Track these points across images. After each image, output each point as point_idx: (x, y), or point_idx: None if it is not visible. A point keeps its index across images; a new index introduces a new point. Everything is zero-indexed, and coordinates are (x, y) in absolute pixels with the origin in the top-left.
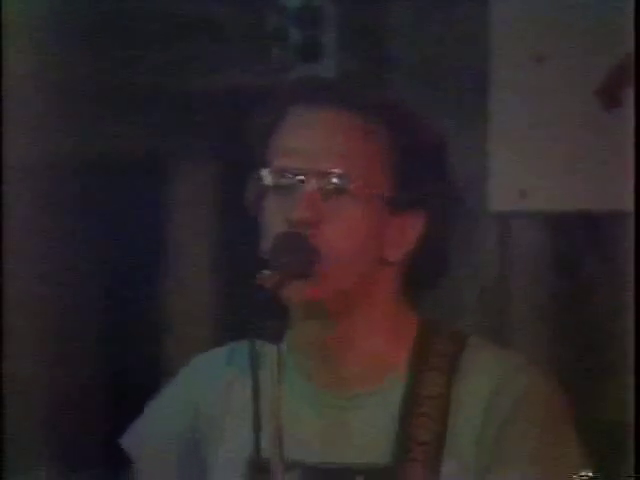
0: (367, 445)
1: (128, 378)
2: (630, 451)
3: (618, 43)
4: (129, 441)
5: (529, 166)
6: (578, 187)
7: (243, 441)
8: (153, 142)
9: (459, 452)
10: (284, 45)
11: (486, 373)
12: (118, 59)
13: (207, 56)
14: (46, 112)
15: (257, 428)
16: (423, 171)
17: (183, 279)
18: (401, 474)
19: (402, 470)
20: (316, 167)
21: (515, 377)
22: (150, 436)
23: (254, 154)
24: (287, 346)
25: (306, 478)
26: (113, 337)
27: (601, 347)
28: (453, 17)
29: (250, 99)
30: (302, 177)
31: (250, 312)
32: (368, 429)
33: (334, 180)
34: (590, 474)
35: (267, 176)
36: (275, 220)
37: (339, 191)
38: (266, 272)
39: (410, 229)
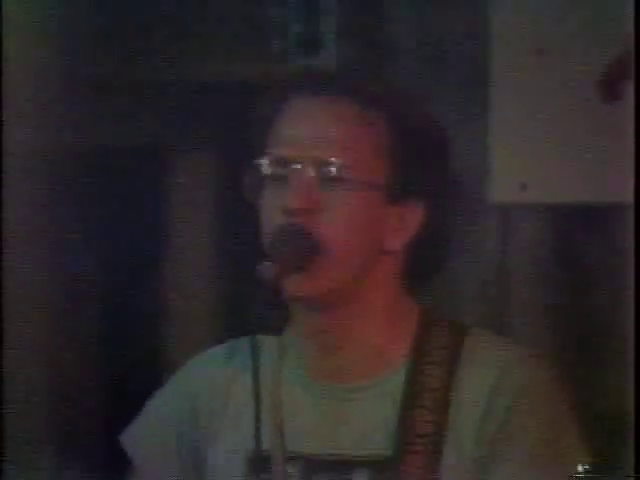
0: (367, 437)
1: (127, 372)
2: (629, 443)
3: (618, 35)
4: (128, 439)
5: (529, 158)
6: (578, 179)
7: (243, 438)
8: (153, 133)
9: (459, 444)
10: (284, 35)
11: (487, 365)
12: (117, 49)
13: (207, 46)
14: (46, 102)
15: (258, 421)
16: (422, 161)
17: (182, 272)
18: (401, 466)
19: (402, 462)
20: (314, 155)
21: (516, 369)
22: (150, 434)
23: (254, 144)
24: (287, 338)
25: (307, 469)
26: (112, 328)
27: (601, 338)
28: (453, 8)
29: (250, 89)
30: (299, 166)
31: (250, 305)
32: (368, 420)
33: (332, 169)
34: (584, 467)
35: (266, 165)
36: (273, 210)
37: (338, 180)
38: (267, 263)
39: (409, 219)
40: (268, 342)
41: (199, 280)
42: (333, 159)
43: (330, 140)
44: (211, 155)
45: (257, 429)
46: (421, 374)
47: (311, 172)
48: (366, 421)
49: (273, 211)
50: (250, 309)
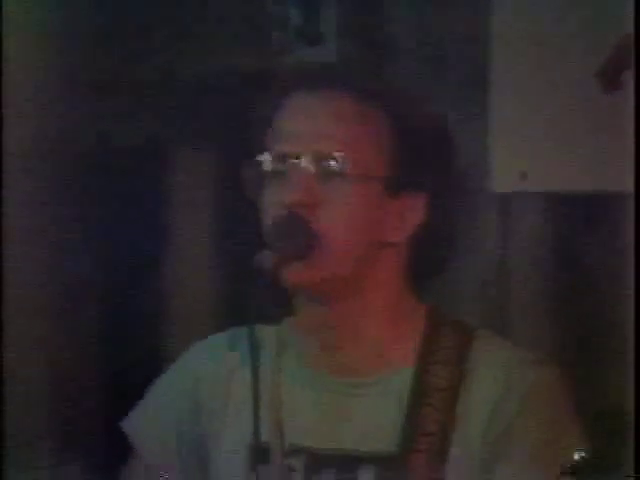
0: (371, 433)
1: (127, 372)
2: (629, 443)
3: (618, 26)
4: (130, 425)
5: (529, 148)
6: (578, 169)
7: (245, 427)
8: (153, 128)
9: (466, 444)
10: (285, 29)
11: (496, 368)
12: (117, 49)
13: (207, 40)
14: (46, 102)
15: (257, 413)
16: (423, 154)
17: (182, 272)
18: (407, 464)
19: (407, 460)
20: (314, 149)
21: (523, 372)
22: (151, 420)
23: (255, 140)
24: (288, 331)
25: (311, 464)
26: (112, 328)
27: (601, 338)
28: (453, 8)
29: (250, 83)
30: (298, 160)
31: (250, 295)
32: (371, 417)
33: (332, 163)
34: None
35: (266, 162)
36: (273, 205)
37: (337, 174)
38: (266, 252)
39: (410, 212)
40: (268, 332)
41: (199, 280)
42: (334, 153)
43: (331, 135)
44: (211, 155)
45: (256, 422)
46: (429, 373)
47: (311, 166)
48: (369, 418)
49: (273, 206)
50: (250, 300)
